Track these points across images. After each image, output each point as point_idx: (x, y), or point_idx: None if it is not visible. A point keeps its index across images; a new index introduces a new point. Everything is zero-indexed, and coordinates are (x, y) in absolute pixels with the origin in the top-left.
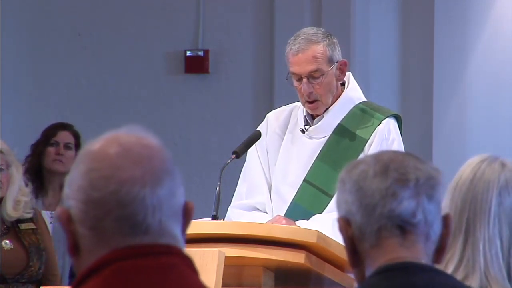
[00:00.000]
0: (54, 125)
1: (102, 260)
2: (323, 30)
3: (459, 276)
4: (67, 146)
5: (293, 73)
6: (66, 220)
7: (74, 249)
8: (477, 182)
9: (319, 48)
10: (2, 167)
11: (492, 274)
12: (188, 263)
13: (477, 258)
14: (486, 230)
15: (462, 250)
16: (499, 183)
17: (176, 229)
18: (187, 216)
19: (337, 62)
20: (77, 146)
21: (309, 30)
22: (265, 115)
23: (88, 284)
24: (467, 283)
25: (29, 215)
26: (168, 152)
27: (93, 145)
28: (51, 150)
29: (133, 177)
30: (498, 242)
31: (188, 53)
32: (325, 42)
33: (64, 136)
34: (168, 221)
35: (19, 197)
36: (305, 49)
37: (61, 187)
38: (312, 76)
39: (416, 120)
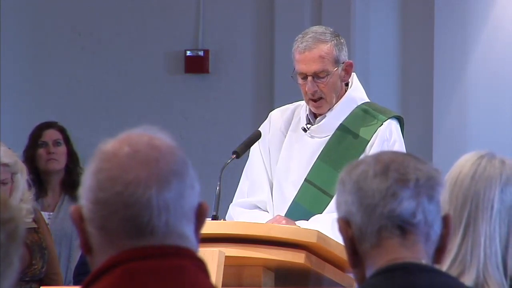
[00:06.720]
0: (38, 126)
1: (111, 261)
2: (331, 29)
3: (454, 272)
4: (56, 143)
5: (299, 71)
6: (78, 218)
7: (87, 247)
8: (479, 178)
9: (326, 48)
10: (6, 182)
11: (490, 270)
12: (199, 264)
13: (476, 254)
14: (488, 226)
15: (460, 245)
16: (501, 180)
17: (187, 230)
18: (200, 216)
19: (343, 63)
20: (66, 140)
21: (317, 29)
22: (266, 115)
23: (98, 285)
24: (462, 279)
25: (30, 220)
26: (181, 153)
27: (106, 144)
28: (41, 151)
29: (138, 178)
30: (497, 239)
31: (188, 53)
32: (332, 42)
33: (51, 135)
34: (176, 222)
35: (21, 205)
36: (312, 48)
37: (60, 185)
38: (317, 75)
39: (416, 120)
